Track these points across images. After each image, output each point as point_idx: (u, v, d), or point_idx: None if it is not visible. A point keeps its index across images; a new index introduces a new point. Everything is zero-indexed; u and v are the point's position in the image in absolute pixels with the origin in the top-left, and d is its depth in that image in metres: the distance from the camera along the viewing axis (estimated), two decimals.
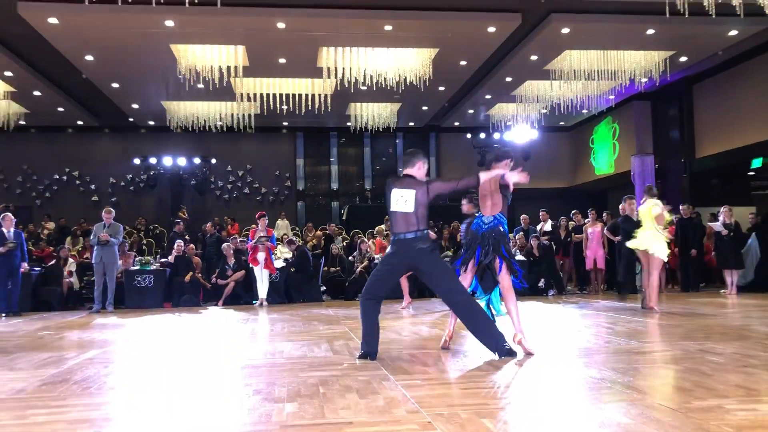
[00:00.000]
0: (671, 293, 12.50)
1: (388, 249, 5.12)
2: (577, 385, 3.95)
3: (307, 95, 16.10)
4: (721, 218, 11.91)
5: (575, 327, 7.12)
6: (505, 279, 5.30)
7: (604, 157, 20.37)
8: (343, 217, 20.17)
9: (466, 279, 5.41)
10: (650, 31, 12.93)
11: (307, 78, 15.64)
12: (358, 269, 12.95)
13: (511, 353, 4.90)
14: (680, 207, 13.17)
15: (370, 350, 4.93)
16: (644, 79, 15.02)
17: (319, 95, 16.00)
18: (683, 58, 14.78)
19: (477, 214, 5.48)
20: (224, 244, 12.74)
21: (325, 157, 22.52)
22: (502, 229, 5.30)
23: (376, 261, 12.96)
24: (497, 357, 4.87)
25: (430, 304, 10.99)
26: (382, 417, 3.16)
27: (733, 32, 13.13)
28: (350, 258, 13.79)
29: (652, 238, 8.76)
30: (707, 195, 16.50)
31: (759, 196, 18.89)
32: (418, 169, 5.07)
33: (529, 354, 5.05)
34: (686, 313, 8.43)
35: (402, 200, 4.89)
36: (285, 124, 20.82)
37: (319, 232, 16.04)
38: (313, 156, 22.44)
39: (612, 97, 16.96)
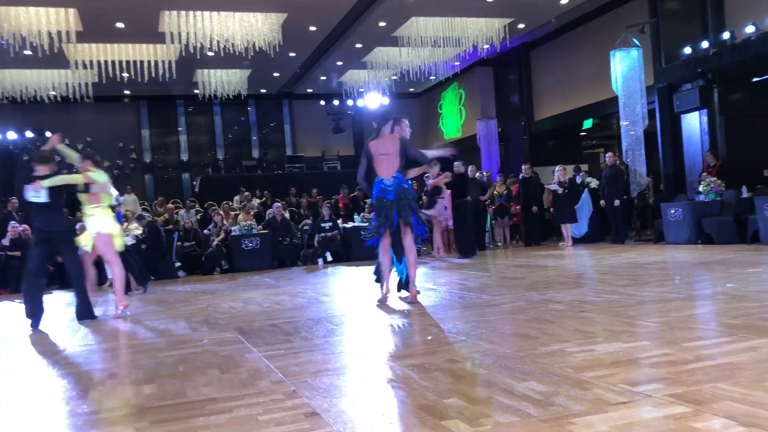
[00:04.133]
0: (516, 247, 13.35)
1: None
2: (433, 340, 4.13)
3: (149, 62, 15.26)
4: (556, 176, 12.80)
5: (430, 285, 7.41)
6: (410, 237, 5.79)
7: (452, 122, 21.14)
8: (196, 189, 19.50)
9: (385, 242, 5.87)
10: None
11: (148, 44, 14.80)
12: (215, 242, 12.62)
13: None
14: (522, 167, 14.01)
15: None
16: (486, 46, 15.69)
17: (163, 62, 15.23)
18: (521, 25, 15.58)
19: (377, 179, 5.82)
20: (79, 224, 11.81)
21: (172, 127, 21.53)
22: (406, 187, 5.82)
23: (234, 233, 12.71)
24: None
25: (291, 274, 10.99)
26: (246, 390, 3.14)
27: (564, 0, 14.00)
28: (205, 231, 13.39)
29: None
30: (545, 155, 17.66)
31: (589, 154, 20.50)
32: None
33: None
34: (530, 265, 9.04)
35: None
36: (127, 92, 19.65)
37: (170, 205, 15.41)
38: (160, 126, 21.38)
39: (457, 63, 17.58)
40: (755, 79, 12.21)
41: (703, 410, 2.30)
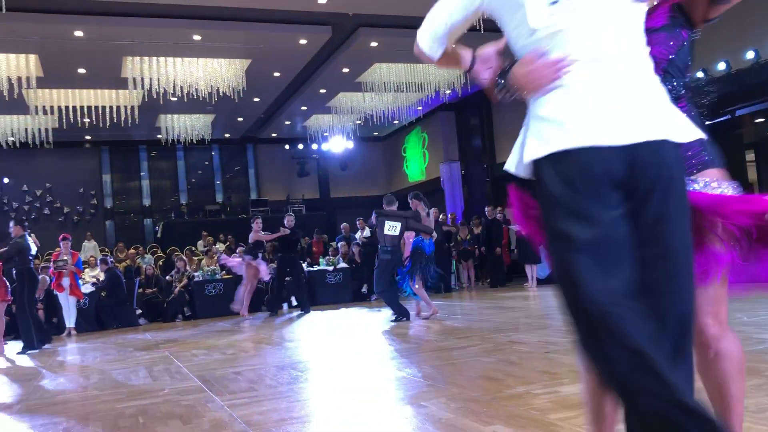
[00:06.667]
0: (481, 289, 13.41)
1: (385, 257, 7.94)
2: (400, 384, 4.10)
3: (111, 107, 15.16)
4: None
5: (397, 328, 7.38)
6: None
7: (416, 165, 21.37)
8: (158, 235, 19.23)
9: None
10: None
11: (110, 89, 14.74)
12: (177, 288, 12.40)
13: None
14: (485, 209, 14.17)
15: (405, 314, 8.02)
16: (448, 91, 15.99)
17: (125, 107, 15.15)
18: None
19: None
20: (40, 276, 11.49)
21: (134, 172, 21.30)
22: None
23: (197, 278, 12.52)
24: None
25: (256, 319, 10.85)
26: None
27: None
28: (167, 277, 13.16)
29: None
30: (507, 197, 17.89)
31: None
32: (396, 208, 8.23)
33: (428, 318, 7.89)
34: (495, 307, 9.08)
35: (393, 228, 7.91)
36: (88, 138, 19.44)
37: (131, 251, 15.14)
38: (122, 171, 21.12)
39: (420, 108, 17.85)
40: None
41: None
